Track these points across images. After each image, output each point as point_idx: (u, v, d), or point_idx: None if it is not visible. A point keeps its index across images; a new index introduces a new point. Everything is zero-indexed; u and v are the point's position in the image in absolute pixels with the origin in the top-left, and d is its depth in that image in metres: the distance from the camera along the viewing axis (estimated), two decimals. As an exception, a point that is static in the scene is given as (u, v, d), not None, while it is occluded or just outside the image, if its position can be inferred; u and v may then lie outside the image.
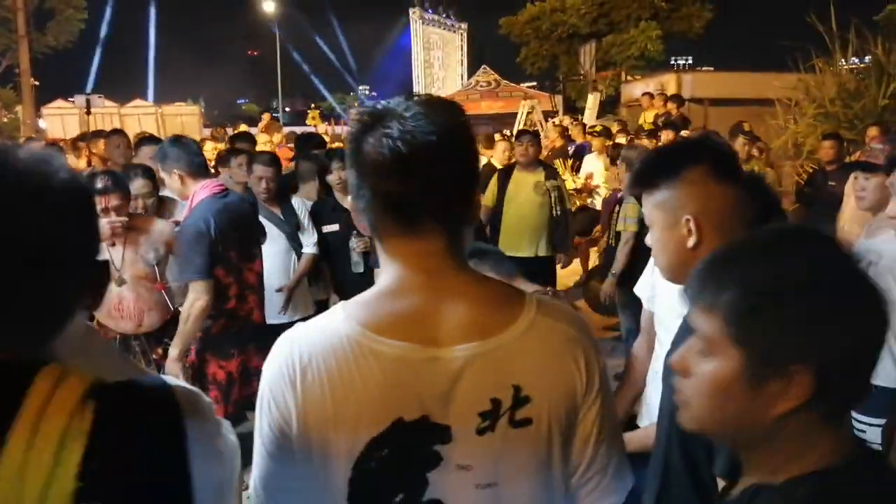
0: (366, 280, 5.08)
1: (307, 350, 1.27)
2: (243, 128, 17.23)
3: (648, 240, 1.91)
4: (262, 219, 4.95)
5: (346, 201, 5.35)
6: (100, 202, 3.91)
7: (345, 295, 5.37)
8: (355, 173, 1.29)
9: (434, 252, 1.29)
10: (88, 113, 14.15)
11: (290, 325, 1.43)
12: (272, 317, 4.83)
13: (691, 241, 1.76)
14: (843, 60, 9.96)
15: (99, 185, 3.89)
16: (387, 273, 1.32)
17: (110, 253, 4.06)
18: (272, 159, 5.42)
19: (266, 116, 16.89)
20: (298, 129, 20.31)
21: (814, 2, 10.52)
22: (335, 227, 5.41)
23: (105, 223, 3.92)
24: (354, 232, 5.30)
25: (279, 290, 5.16)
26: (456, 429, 1.26)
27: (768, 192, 1.91)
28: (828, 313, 1.05)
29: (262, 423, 1.30)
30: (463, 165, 1.31)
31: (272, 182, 5.17)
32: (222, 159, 6.56)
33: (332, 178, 5.45)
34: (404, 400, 1.24)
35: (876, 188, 3.65)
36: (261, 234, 4.49)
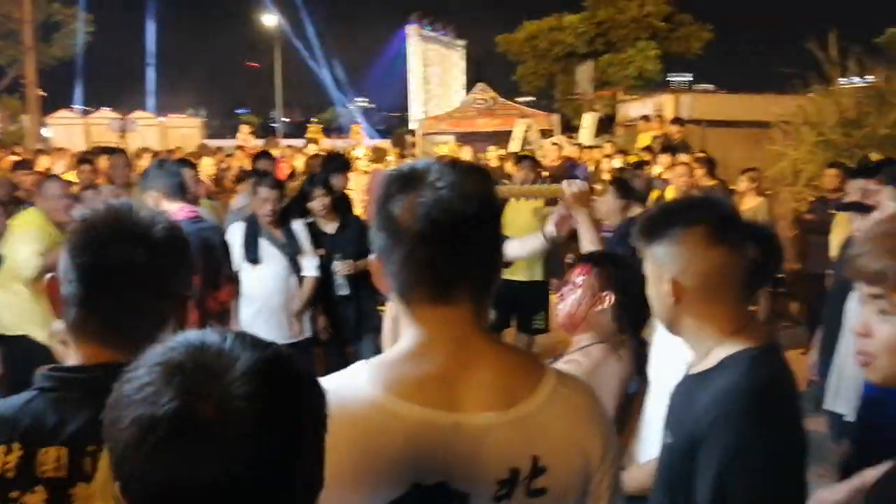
0: (351, 303, 5.48)
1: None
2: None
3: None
4: (263, 241, 5.14)
5: (329, 226, 5.49)
6: None
7: (332, 315, 5.43)
8: (386, 237, 1.30)
9: (461, 319, 1.31)
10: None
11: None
12: (278, 337, 4.94)
13: (671, 300, 1.83)
14: (843, 79, 9.97)
15: None
16: (411, 336, 1.33)
17: None
18: (277, 182, 5.45)
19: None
20: (298, 142, 20.32)
21: (814, 23, 10.52)
22: (320, 252, 5.45)
23: None
24: (337, 255, 5.39)
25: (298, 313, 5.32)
26: (474, 496, 1.26)
27: (778, 246, 1.97)
28: None
29: None
30: (494, 235, 1.36)
31: (277, 204, 5.21)
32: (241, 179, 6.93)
33: (314, 205, 5.50)
34: (424, 465, 1.24)
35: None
36: (227, 264, 4.59)
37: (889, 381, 1.40)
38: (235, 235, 5.15)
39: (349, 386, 1.29)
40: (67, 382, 1.43)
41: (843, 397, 3.81)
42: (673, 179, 7.46)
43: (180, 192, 4.21)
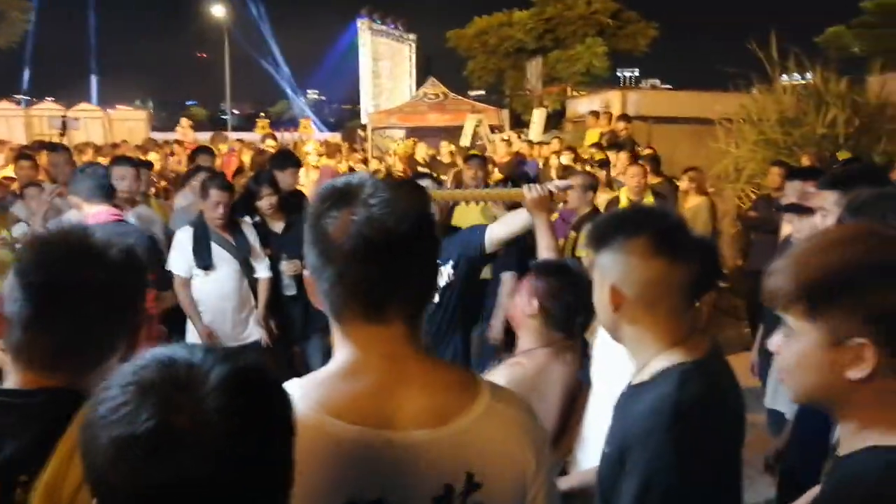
0: (298, 303, 5.37)
1: None
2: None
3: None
4: (214, 245, 5.00)
5: (276, 225, 5.39)
6: None
7: (279, 316, 5.39)
8: (318, 254, 1.28)
9: (394, 337, 1.31)
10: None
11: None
12: (229, 339, 5.03)
13: (610, 308, 1.85)
14: (784, 76, 10.16)
15: None
16: (344, 354, 1.33)
17: None
18: (227, 183, 5.27)
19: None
20: (247, 136, 20.13)
21: (758, 21, 10.65)
22: (267, 252, 5.36)
23: None
24: (284, 255, 5.31)
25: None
26: None
27: (717, 259, 1.99)
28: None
29: None
30: (429, 254, 1.34)
31: (229, 206, 5.07)
32: (187, 177, 6.68)
33: (262, 204, 5.41)
34: (358, 483, 1.24)
35: (811, 229, 3.69)
36: (153, 269, 4.41)
37: (801, 399, 1.40)
38: (184, 240, 5.05)
39: None
40: (3, 406, 1.38)
41: (782, 396, 3.85)
42: (627, 180, 7.45)
43: (102, 194, 4.16)
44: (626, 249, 1.84)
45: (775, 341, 1.39)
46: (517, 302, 2.85)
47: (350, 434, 1.24)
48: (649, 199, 7.03)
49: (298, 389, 1.28)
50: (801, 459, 2.78)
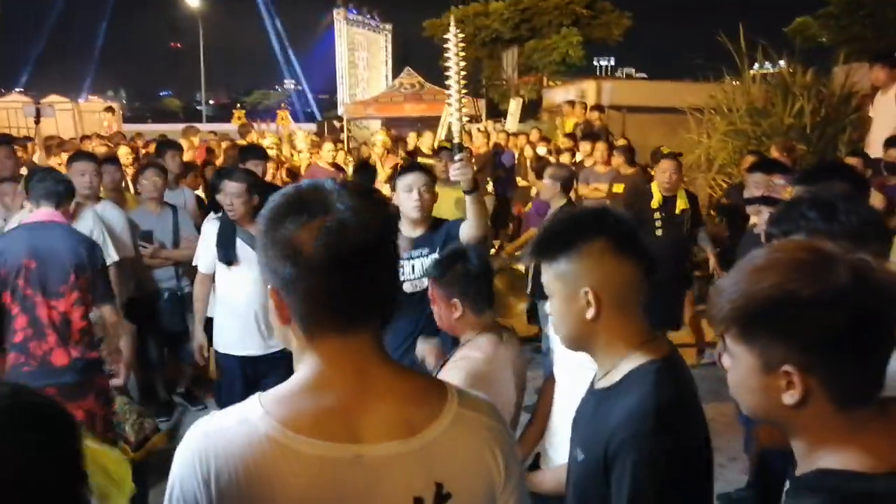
0: None
1: (223, 448, 1.23)
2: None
3: (548, 308, 1.96)
4: (239, 242, 4.72)
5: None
6: None
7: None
8: (287, 267, 1.23)
9: (360, 347, 1.29)
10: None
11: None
12: (258, 348, 4.73)
13: (590, 313, 1.81)
14: (756, 65, 10.29)
15: None
16: (308, 366, 1.30)
17: None
18: (246, 174, 4.96)
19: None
20: (220, 127, 20.02)
21: (727, 10, 10.74)
22: None
23: None
24: None
25: None
26: None
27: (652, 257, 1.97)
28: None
29: None
30: (394, 262, 1.33)
31: (249, 201, 4.71)
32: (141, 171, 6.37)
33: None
34: (325, 499, 1.22)
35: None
36: (91, 272, 4.20)
37: (753, 417, 1.42)
38: (209, 233, 4.84)
39: (244, 421, 1.25)
40: None
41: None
42: (658, 176, 6.95)
43: (45, 199, 4.16)
44: (596, 252, 1.81)
45: (726, 359, 1.40)
46: (439, 314, 2.86)
47: (315, 450, 1.22)
48: (682, 196, 6.76)
49: (260, 406, 1.26)
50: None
